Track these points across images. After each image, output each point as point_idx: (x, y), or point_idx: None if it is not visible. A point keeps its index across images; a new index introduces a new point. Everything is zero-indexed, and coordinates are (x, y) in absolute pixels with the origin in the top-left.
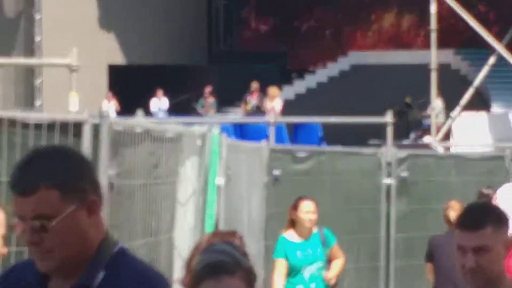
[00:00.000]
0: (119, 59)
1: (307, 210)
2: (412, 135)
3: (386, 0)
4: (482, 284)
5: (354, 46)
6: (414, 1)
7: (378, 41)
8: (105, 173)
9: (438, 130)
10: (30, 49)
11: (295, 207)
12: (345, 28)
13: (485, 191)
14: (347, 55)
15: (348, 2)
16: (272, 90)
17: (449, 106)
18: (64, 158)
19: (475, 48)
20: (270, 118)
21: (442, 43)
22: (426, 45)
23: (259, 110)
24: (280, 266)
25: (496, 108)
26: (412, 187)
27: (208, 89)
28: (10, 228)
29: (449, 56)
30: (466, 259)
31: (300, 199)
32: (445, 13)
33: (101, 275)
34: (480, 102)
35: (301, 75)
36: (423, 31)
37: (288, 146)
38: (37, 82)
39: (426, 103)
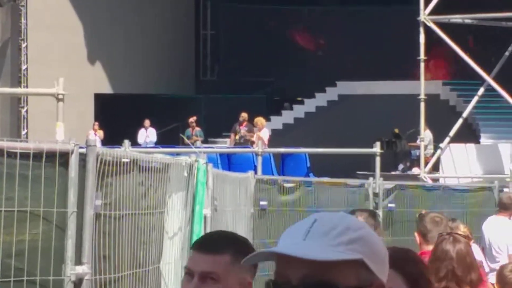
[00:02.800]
0: (106, 88)
1: None
2: (401, 166)
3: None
4: None
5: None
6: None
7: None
8: (91, 204)
9: (426, 161)
10: (16, 78)
11: None
12: (333, 57)
13: (452, 224)
14: (336, 85)
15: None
16: (259, 120)
17: (438, 137)
18: None
19: (464, 79)
20: (257, 148)
21: (431, 74)
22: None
23: (247, 141)
24: None
25: (484, 140)
26: (399, 218)
27: (193, 119)
28: None
29: (438, 87)
30: (190, 285)
31: None
32: (434, 44)
33: None
34: (469, 133)
35: (290, 105)
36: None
37: (275, 176)
38: (23, 111)
39: (414, 134)
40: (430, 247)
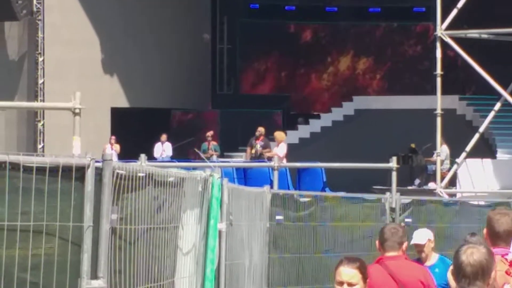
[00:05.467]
0: (123, 102)
1: (340, 279)
2: (417, 181)
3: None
4: None
5: (359, 90)
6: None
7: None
8: (107, 218)
9: (443, 176)
10: (33, 92)
11: (334, 271)
12: (349, 72)
13: (470, 238)
14: (352, 100)
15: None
16: (278, 135)
17: (454, 152)
18: None
19: (481, 94)
20: (273, 163)
21: (448, 88)
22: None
23: (262, 155)
24: None
25: (501, 155)
26: None
27: (210, 133)
28: None
29: (455, 102)
30: None
31: (340, 261)
32: (452, 59)
33: None
34: (485, 148)
35: (305, 120)
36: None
37: (291, 191)
38: (40, 124)
39: (431, 149)
40: (386, 254)
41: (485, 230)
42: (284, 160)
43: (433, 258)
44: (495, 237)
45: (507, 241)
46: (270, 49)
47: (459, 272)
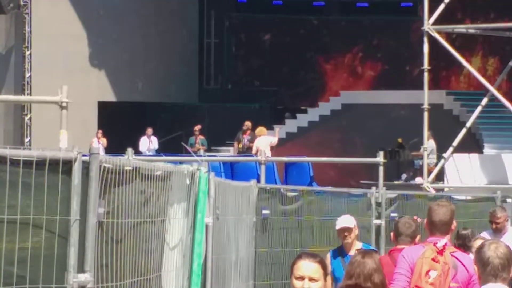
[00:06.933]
0: (110, 96)
1: (300, 273)
2: (404, 176)
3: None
4: None
5: (346, 85)
6: None
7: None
8: (94, 212)
9: (430, 170)
10: (20, 86)
11: (291, 266)
12: (336, 66)
13: (463, 232)
14: (339, 94)
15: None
16: (260, 131)
17: (441, 146)
18: None
19: (468, 89)
20: (260, 157)
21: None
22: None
23: (249, 150)
24: None
25: (488, 150)
26: None
27: (197, 127)
28: None
29: (442, 97)
30: None
31: (298, 256)
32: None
33: None
34: (472, 143)
35: (292, 115)
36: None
37: (277, 185)
38: (27, 118)
39: (418, 144)
40: (399, 246)
41: (425, 220)
42: (267, 151)
43: (357, 246)
44: (432, 227)
45: (441, 231)
46: (257, 43)
47: (487, 265)
